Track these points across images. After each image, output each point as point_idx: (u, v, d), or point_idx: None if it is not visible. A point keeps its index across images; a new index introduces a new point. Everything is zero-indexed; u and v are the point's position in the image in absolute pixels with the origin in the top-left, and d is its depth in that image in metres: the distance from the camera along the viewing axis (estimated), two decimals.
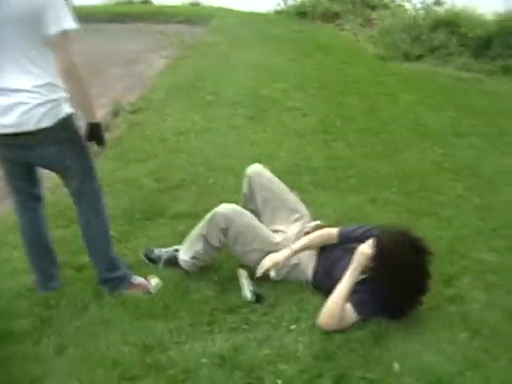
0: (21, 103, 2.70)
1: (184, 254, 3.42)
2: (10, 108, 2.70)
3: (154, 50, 11.49)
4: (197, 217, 3.64)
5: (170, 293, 3.22)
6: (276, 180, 3.65)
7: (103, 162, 5.31)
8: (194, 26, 14.21)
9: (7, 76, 2.71)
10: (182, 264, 3.42)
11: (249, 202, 3.63)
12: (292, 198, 3.64)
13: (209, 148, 5.60)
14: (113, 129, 6.43)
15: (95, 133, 2.91)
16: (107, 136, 6.07)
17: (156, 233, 3.93)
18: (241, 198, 3.70)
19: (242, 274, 3.26)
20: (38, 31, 2.64)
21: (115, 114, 6.89)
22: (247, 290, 3.16)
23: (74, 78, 2.72)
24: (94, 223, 3.16)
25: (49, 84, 2.75)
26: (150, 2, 19.52)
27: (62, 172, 3.03)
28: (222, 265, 3.50)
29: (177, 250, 3.51)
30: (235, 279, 3.29)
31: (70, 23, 2.70)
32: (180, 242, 3.54)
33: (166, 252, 3.54)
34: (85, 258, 3.60)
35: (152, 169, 5.04)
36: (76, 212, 3.20)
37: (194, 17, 15.48)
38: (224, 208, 3.25)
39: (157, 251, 3.57)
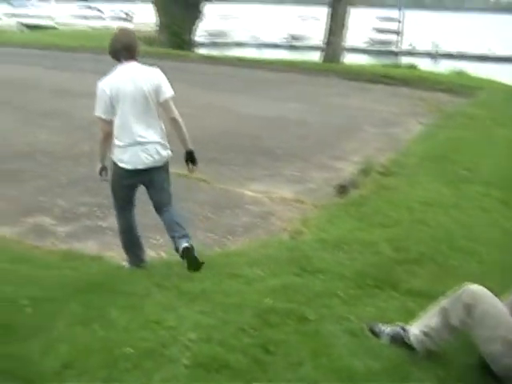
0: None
1: (416, 328, 3.22)
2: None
3: (413, 114, 11.43)
4: (431, 297, 3.42)
5: (387, 374, 3.02)
6: None
7: (345, 220, 5.32)
8: (457, 96, 13.82)
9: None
10: (411, 338, 3.21)
11: None
12: None
13: (454, 226, 5.29)
14: (361, 187, 6.45)
15: (190, 157, 4.26)
16: (354, 193, 6.22)
17: (385, 305, 3.75)
18: None
19: None
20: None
21: (365, 172, 6.91)
22: None
23: (178, 124, 4.14)
24: None
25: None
26: (416, 67, 19.56)
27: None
28: (452, 361, 3.19)
29: (403, 329, 3.31)
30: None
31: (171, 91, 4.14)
32: (408, 321, 3.34)
33: (391, 328, 3.36)
34: (310, 311, 3.59)
35: (392, 236, 4.89)
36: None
37: (457, 86, 15.07)
38: (474, 285, 3.09)
39: (381, 325, 3.40)
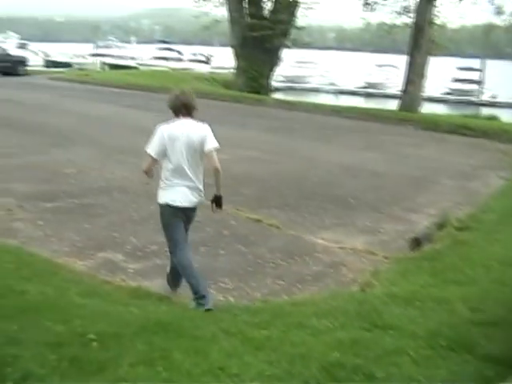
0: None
1: None
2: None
3: (493, 168, 11.08)
4: (510, 366, 3.20)
5: None
6: None
7: (418, 275, 5.15)
8: None
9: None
10: None
11: None
12: None
13: None
14: (435, 241, 6.24)
15: (218, 200, 4.82)
16: (428, 247, 6.04)
17: (458, 369, 3.53)
18: None
19: None
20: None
21: (440, 226, 6.71)
22: None
23: (218, 173, 4.70)
24: None
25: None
26: (498, 119, 19.11)
27: None
28: None
29: None
30: None
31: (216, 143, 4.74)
32: None
33: None
34: (378, 369, 3.44)
35: (468, 295, 4.67)
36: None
37: None
38: None
39: None
